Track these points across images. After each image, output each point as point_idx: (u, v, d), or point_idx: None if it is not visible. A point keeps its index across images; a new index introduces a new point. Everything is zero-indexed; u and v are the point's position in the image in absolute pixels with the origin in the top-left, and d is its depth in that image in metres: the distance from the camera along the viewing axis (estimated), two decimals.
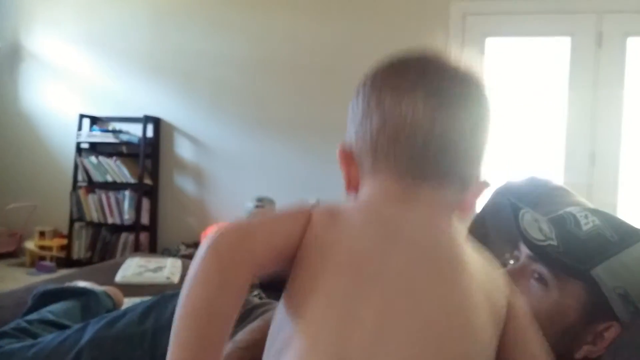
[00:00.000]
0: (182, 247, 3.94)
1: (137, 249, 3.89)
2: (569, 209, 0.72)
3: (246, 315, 0.97)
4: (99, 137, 4.00)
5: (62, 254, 3.98)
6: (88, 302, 1.19)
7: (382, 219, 0.56)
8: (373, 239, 0.53)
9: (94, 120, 4.15)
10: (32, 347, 0.93)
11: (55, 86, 4.31)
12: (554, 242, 0.66)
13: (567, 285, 0.65)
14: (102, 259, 3.90)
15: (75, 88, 4.27)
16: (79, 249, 4.00)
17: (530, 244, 0.66)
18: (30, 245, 3.98)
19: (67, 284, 1.37)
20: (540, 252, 0.66)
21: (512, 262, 0.73)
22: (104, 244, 3.97)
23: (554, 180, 1.63)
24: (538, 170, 3.50)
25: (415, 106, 0.56)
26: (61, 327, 1.07)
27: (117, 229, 3.97)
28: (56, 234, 4.12)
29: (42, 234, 4.04)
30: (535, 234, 0.66)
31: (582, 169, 3.40)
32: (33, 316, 1.07)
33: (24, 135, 4.35)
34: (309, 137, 3.88)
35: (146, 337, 0.93)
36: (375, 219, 0.57)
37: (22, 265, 3.94)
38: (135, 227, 3.93)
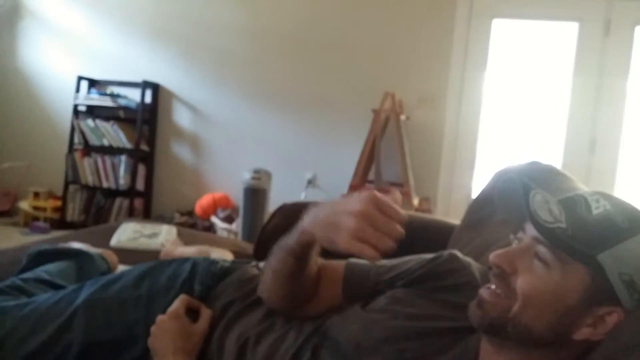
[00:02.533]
0: (177, 215, 3.94)
1: (131, 215, 3.89)
2: (580, 192, 0.71)
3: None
4: (96, 100, 3.95)
5: (56, 216, 3.98)
6: (83, 264, 1.19)
7: None
8: None
9: (92, 83, 4.10)
10: (26, 305, 0.93)
11: (54, 46, 4.23)
12: (563, 225, 0.65)
13: (571, 268, 0.64)
14: (97, 222, 3.90)
15: (74, 49, 4.20)
16: (73, 212, 3.99)
17: (539, 226, 0.65)
18: (25, 205, 3.97)
19: (62, 245, 1.36)
20: (548, 235, 0.65)
21: (516, 242, 0.73)
22: (98, 208, 3.96)
23: (555, 165, 1.63)
24: (537, 153, 3.50)
25: None
26: (56, 287, 1.07)
27: (112, 193, 3.96)
28: (50, 195, 4.11)
29: (36, 195, 4.02)
30: (544, 216, 0.65)
31: (582, 155, 3.40)
32: (28, 275, 1.07)
33: (21, 94, 4.29)
34: (307, 111, 3.85)
35: (140, 302, 0.93)
36: None
37: (16, 224, 3.94)
38: (130, 192, 3.92)
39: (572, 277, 0.64)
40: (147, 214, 4.06)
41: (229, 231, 3.60)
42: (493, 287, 0.70)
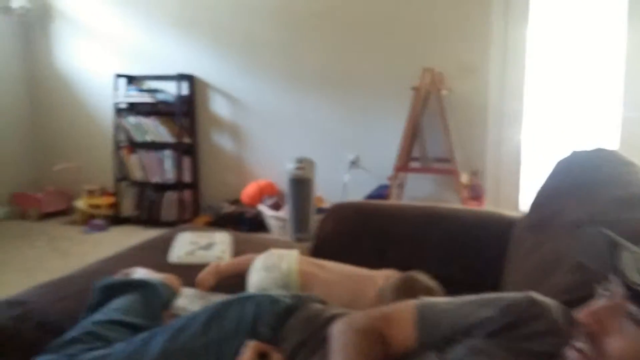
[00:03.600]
0: (225, 205, 4.00)
1: (181, 207, 3.97)
2: None
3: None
4: (136, 97, 4.00)
5: (111, 212, 4.10)
6: (149, 295, 1.21)
7: None
8: None
9: (130, 80, 4.14)
10: (104, 358, 0.96)
11: (88, 45, 4.29)
12: None
13: None
14: (150, 217, 4.02)
15: (107, 47, 4.24)
16: (127, 207, 4.11)
17: (631, 289, 0.61)
18: (80, 204, 4.10)
19: (126, 273, 1.39)
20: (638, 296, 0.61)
21: (603, 294, 0.68)
22: (149, 203, 4.06)
23: (620, 153, 1.54)
24: (591, 116, 3.34)
25: None
26: (127, 325, 1.10)
27: (161, 187, 4.04)
28: (103, 192, 4.23)
29: (90, 193, 4.15)
30: (635, 278, 0.61)
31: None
32: (100, 317, 1.10)
33: (62, 96, 4.40)
34: (346, 91, 3.78)
35: (210, 349, 0.94)
36: None
37: (74, 223, 4.09)
38: (178, 185, 3.99)
39: None
40: (196, 205, 4.14)
41: (277, 218, 3.63)
42: (581, 345, 0.67)
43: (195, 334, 0.96)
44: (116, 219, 4.08)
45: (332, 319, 0.97)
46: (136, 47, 4.16)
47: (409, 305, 0.87)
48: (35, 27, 4.38)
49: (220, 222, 3.92)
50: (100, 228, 3.90)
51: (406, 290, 1.23)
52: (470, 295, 0.89)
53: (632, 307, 0.63)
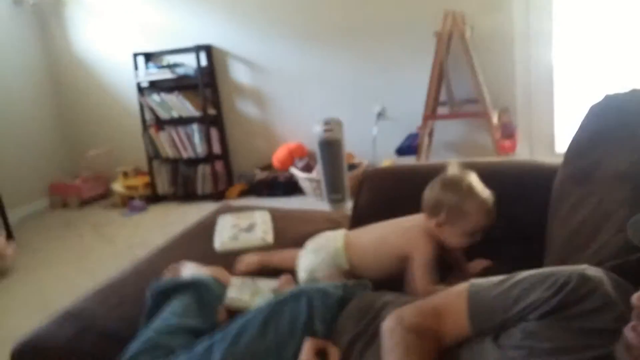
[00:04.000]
0: (257, 172, 4.03)
1: (214, 179, 4.03)
2: None
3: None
4: (156, 74, 4.00)
5: (148, 192, 4.20)
6: (201, 293, 1.25)
7: None
8: None
9: (148, 57, 4.12)
10: None
11: (103, 27, 4.26)
12: None
13: None
14: (186, 192, 4.10)
15: (122, 26, 4.21)
16: (162, 185, 4.19)
17: None
18: (117, 186, 4.21)
19: (175, 268, 1.43)
20: None
21: None
22: (184, 178, 4.12)
23: None
24: (623, 49, 3.17)
25: None
26: (185, 329, 1.14)
27: (193, 162, 4.09)
28: (138, 172, 4.32)
29: (125, 174, 4.24)
30: None
31: None
32: (159, 324, 1.14)
33: (84, 83, 4.43)
34: (366, 42, 3.68)
35: (270, 351, 0.98)
36: None
37: (114, 206, 4.21)
38: (209, 157, 4.03)
39: None
40: (229, 176, 4.19)
41: (311, 180, 3.65)
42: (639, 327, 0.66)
43: (253, 338, 0.99)
44: (154, 198, 4.18)
45: (384, 308, 0.98)
46: (150, 23, 4.12)
47: (460, 295, 0.87)
48: (48, 15, 4.37)
49: (255, 189, 3.97)
50: (140, 208, 4.01)
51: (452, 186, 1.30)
52: (521, 272, 0.88)
53: None
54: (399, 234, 1.38)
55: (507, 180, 1.67)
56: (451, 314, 0.86)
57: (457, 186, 1.31)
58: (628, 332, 0.68)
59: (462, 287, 0.89)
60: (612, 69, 3.22)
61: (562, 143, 3.41)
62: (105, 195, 4.46)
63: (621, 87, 1.53)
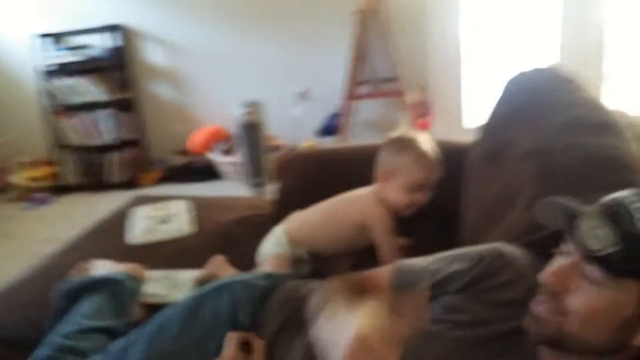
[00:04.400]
0: (174, 157, 3.89)
1: (127, 166, 3.83)
2: (620, 198, 0.68)
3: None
4: (64, 57, 3.70)
5: (53, 182, 3.90)
6: (114, 291, 1.17)
7: None
8: None
9: (52, 38, 3.80)
10: None
11: (2, 6, 3.87)
12: (611, 249, 0.64)
13: (624, 285, 0.65)
14: (96, 181, 3.87)
15: (23, 5, 3.83)
16: (69, 175, 3.92)
17: (590, 256, 0.65)
18: (17, 179, 3.86)
19: (85, 267, 1.34)
20: (599, 262, 0.65)
21: (561, 252, 0.71)
22: (93, 167, 3.88)
23: (563, 69, 1.55)
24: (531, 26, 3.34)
25: None
26: (98, 330, 1.07)
27: (104, 149, 3.86)
28: (41, 163, 3.99)
29: (25, 165, 3.90)
30: (594, 245, 0.64)
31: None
32: (68, 328, 1.06)
33: None
34: (285, 21, 3.62)
35: (192, 347, 0.93)
36: None
37: (13, 200, 3.85)
38: (120, 144, 3.82)
39: (625, 292, 0.64)
40: (144, 162, 4.00)
41: (231, 164, 3.57)
42: (545, 302, 0.70)
43: (173, 336, 0.95)
44: (59, 189, 3.89)
45: (307, 296, 0.96)
46: (55, 2, 3.78)
47: (385, 274, 0.91)
48: None
49: (171, 175, 3.83)
50: (43, 201, 3.71)
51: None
52: (445, 251, 0.91)
53: (590, 268, 0.66)
54: (349, 204, 1.39)
55: None
56: (377, 282, 0.89)
57: (395, 142, 1.33)
58: (535, 306, 0.72)
59: (387, 268, 0.92)
60: (523, 44, 3.38)
61: (469, 119, 3.55)
62: (3, 188, 4.09)
63: (530, 63, 1.61)
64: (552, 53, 3.31)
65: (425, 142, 1.33)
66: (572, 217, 0.68)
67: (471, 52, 3.49)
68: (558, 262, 0.71)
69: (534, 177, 1.15)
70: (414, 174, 1.28)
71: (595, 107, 1.29)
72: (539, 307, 0.71)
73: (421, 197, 1.32)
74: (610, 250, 0.63)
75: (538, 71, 1.58)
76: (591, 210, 0.69)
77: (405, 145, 1.30)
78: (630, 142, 1.18)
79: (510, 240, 0.97)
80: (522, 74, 1.61)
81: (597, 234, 0.65)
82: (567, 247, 0.70)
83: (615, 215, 0.66)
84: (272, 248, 1.41)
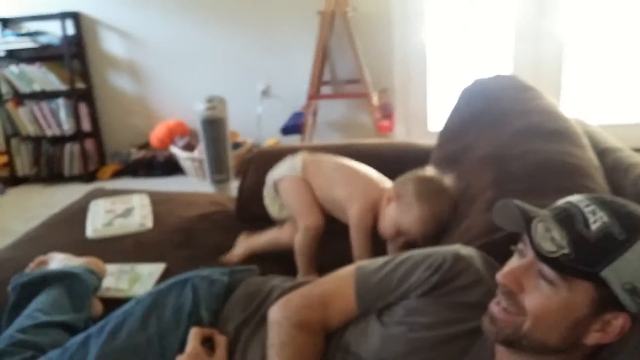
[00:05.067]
0: (133, 150, 3.81)
1: (84, 158, 3.73)
2: (575, 201, 0.71)
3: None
4: (14, 42, 3.56)
5: (5, 173, 3.77)
6: (72, 285, 1.15)
7: None
8: None
9: (4, 24, 3.66)
10: None
11: None
12: (566, 250, 0.67)
13: (576, 285, 0.68)
14: (50, 173, 3.75)
15: None
16: (23, 166, 3.79)
17: (543, 257, 0.68)
18: None
19: (42, 261, 1.31)
20: (553, 264, 0.68)
21: (517, 253, 0.74)
22: (48, 158, 3.76)
23: (520, 78, 1.62)
24: (487, 28, 3.44)
25: None
26: (55, 325, 1.05)
27: (59, 140, 3.74)
28: None
29: None
30: (548, 246, 0.67)
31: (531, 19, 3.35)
32: (24, 322, 1.03)
33: None
34: (250, 19, 3.59)
35: (153, 343, 0.93)
36: None
37: None
38: (78, 135, 3.72)
39: (578, 292, 0.67)
40: (101, 154, 3.90)
41: (193, 159, 3.52)
42: (502, 301, 0.73)
43: (134, 330, 0.94)
44: (12, 180, 3.76)
45: (270, 293, 0.98)
46: None
47: (347, 280, 0.90)
48: None
49: (131, 169, 3.75)
50: None
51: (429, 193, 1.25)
52: (402, 253, 0.93)
53: (544, 267, 0.69)
54: (361, 181, 1.41)
55: (386, 161, 1.74)
56: (339, 299, 0.89)
57: (425, 185, 1.28)
58: (493, 306, 0.75)
59: (348, 271, 0.92)
60: (482, 50, 3.48)
61: (434, 122, 3.63)
62: None
63: (489, 69, 1.67)
64: (507, 61, 3.42)
65: (444, 201, 1.26)
66: (528, 220, 0.71)
67: (436, 56, 3.57)
68: (514, 262, 0.74)
69: (491, 181, 1.19)
70: (413, 226, 1.25)
71: (551, 115, 1.35)
72: (496, 307, 0.74)
73: (401, 240, 1.30)
74: (564, 251, 0.66)
75: (497, 78, 1.64)
76: (546, 213, 0.72)
77: (429, 197, 1.25)
78: (587, 149, 1.24)
79: (468, 241, 1.00)
80: (478, 82, 1.66)
81: (552, 236, 0.68)
82: (523, 247, 0.73)
83: (570, 218, 0.69)
84: (285, 171, 1.46)
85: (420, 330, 0.81)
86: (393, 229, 1.28)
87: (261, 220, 1.57)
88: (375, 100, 3.39)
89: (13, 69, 3.57)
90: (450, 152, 1.49)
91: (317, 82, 3.39)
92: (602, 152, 1.27)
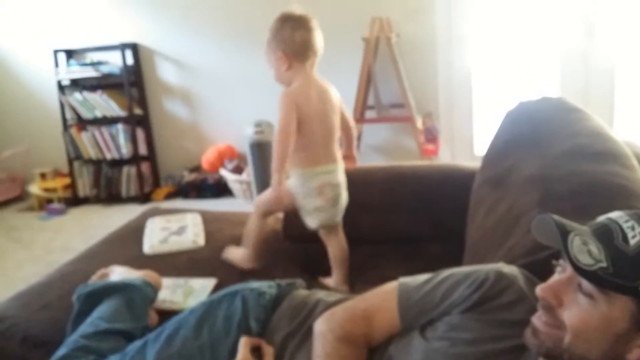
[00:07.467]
0: (186, 173, 3.96)
1: (140, 180, 3.91)
2: (614, 217, 0.72)
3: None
4: (78, 72, 3.82)
5: (68, 194, 4.00)
6: (131, 296, 1.23)
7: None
8: None
9: (70, 54, 3.94)
10: None
11: (22, 22, 4.01)
12: (604, 264, 0.67)
13: (616, 299, 0.68)
14: (109, 194, 3.95)
15: (41, 22, 3.98)
16: (84, 187, 4.01)
17: (581, 271, 0.68)
18: (34, 188, 3.97)
19: (103, 273, 1.40)
20: (590, 278, 0.68)
21: (559, 269, 0.75)
22: (107, 180, 3.97)
23: (567, 100, 1.61)
24: (535, 49, 3.41)
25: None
26: (115, 332, 1.12)
27: (117, 163, 3.95)
28: (57, 174, 4.11)
29: (43, 176, 4.02)
30: (585, 260, 0.68)
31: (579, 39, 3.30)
32: (87, 329, 1.11)
33: (1, 79, 4.14)
34: None
35: (205, 351, 0.98)
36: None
37: (30, 209, 3.97)
38: (134, 159, 3.91)
39: (617, 307, 0.68)
40: (156, 177, 4.08)
41: (241, 182, 3.63)
42: (542, 315, 0.74)
43: (187, 338, 1.00)
44: (74, 200, 3.98)
45: (316, 306, 1.01)
46: (73, 19, 3.92)
47: (390, 295, 0.92)
48: None
49: (183, 191, 3.90)
50: (59, 212, 3.81)
51: None
52: (444, 270, 0.95)
53: (583, 282, 0.70)
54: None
55: (430, 183, 1.77)
56: (382, 314, 0.92)
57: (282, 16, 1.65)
58: (535, 319, 0.76)
59: (391, 287, 0.94)
60: (528, 73, 3.46)
61: (480, 146, 3.61)
62: (20, 197, 4.19)
63: (535, 92, 1.68)
64: (554, 83, 3.37)
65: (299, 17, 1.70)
66: (564, 233, 0.71)
67: (482, 79, 3.57)
68: (553, 277, 0.75)
69: (537, 201, 1.19)
70: (287, 39, 1.67)
71: (599, 136, 1.34)
72: (538, 320, 0.75)
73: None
74: (601, 265, 0.67)
75: (543, 100, 1.65)
76: (585, 229, 0.73)
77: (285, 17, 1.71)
78: (636, 170, 1.22)
79: (512, 260, 1.01)
80: (522, 104, 1.67)
81: (589, 250, 0.68)
82: (564, 263, 0.74)
83: (608, 233, 0.70)
84: None
85: (461, 345, 0.82)
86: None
87: (307, 239, 1.62)
88: (419, 123, 3.41)
89: (77, 96, 3.82)
90: (494, 173, 1.50)
91: (362, 106, 3.45)
92: None
